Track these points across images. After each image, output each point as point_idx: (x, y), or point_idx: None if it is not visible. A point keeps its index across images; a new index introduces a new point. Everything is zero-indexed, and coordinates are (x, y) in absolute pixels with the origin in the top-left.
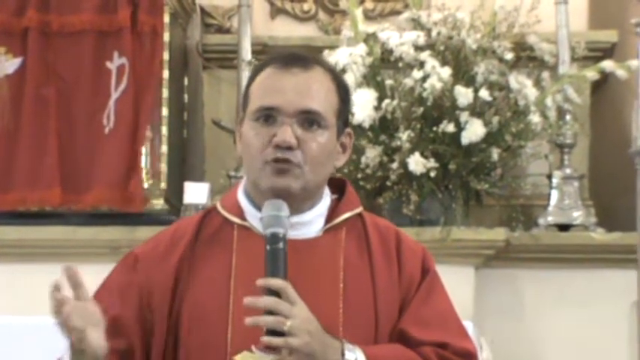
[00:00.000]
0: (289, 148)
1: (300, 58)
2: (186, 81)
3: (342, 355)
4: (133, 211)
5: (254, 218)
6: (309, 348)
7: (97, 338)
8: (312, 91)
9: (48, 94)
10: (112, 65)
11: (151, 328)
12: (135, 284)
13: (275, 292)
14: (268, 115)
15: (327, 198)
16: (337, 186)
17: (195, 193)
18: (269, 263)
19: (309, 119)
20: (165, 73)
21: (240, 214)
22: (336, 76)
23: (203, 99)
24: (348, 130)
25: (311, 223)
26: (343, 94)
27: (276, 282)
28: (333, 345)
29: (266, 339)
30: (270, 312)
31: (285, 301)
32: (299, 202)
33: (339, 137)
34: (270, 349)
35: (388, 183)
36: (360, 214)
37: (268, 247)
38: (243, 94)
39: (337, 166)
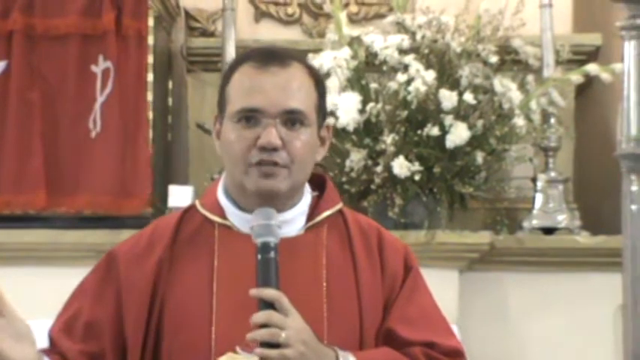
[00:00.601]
0: (274, 150)
1: (276, 54)
2: (170, 84)
3: None
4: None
5: (235, 217)
6: (304, 358)
7: (20, 353)
8: (293, 90)
9: (33, 98)
10: (97, 69)
11: (127, 328)
12: (112, 284)
13: (268, 302)
14: (250, 117)
15: (307, 195)
16: (317, 182)
17: (180, 196)
18: (261, 273)
19: (291, 119)
20: (150, 77)
21: (221, 212)
22: (313, 70)
23: (187, 102)
24: (327, 123)
25: (293, 221)
26: (321, 88)
27: (269, 292)
28: (328, 353)
29: (260, 351)
30: (264, 324)
31: (279, 312)
32: (283, 201)
33: (319, 132)
34: None
35: (373, 186)
36: (340, 211)
37: (260, 257)
38: (220, 93)
39: (317, 160)
